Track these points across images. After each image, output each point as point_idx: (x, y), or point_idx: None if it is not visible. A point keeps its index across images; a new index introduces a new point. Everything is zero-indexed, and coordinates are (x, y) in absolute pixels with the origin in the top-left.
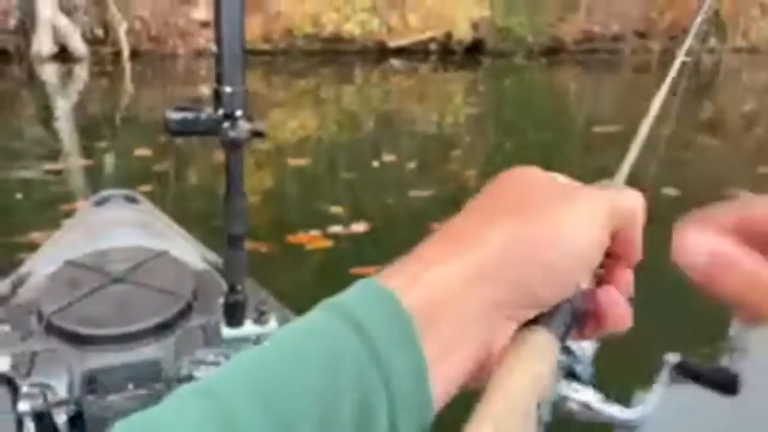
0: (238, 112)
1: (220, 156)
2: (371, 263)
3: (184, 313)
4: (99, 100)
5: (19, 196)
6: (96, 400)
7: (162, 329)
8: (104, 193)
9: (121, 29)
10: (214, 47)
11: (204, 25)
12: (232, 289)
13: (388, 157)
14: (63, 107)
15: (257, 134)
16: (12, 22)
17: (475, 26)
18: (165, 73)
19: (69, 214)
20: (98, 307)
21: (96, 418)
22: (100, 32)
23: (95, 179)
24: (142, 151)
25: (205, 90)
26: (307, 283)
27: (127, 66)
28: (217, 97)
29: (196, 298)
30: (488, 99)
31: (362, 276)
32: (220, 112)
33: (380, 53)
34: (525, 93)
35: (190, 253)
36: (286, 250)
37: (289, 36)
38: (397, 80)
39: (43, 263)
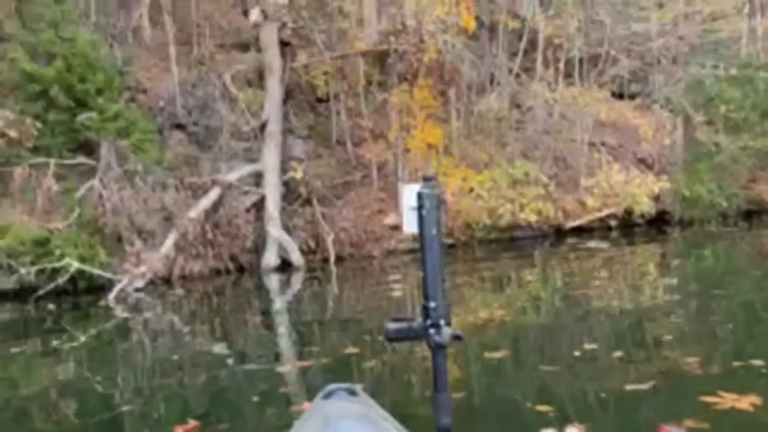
0: (442, 322)
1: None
2: None
3: None
4: (311, 303)
5: (255, 398)
6: None
7: None
8: (330, 387)
9: (329, 240)
10: (421, 273)
11: (392, 228)
12: None
13: (589, 345)
14: (282, 312)
15: (457, 338)
16: (248, 244)
17: (656, 198)
18: (363, 273)
19: (297, 414)
20: None
21: None
22: (313, 244)
23: (315, 377)
24: (351, 349)
25: (395, 286)
26: None
27: (333, 269)
28: (425, 310)
29: None
30: (688, 272)
31: None
32: (428, 322)
33: (557, 235)
34: (730, 261)
35: None
36: None
37: (469, 229)
38: (579, 260)
39: None
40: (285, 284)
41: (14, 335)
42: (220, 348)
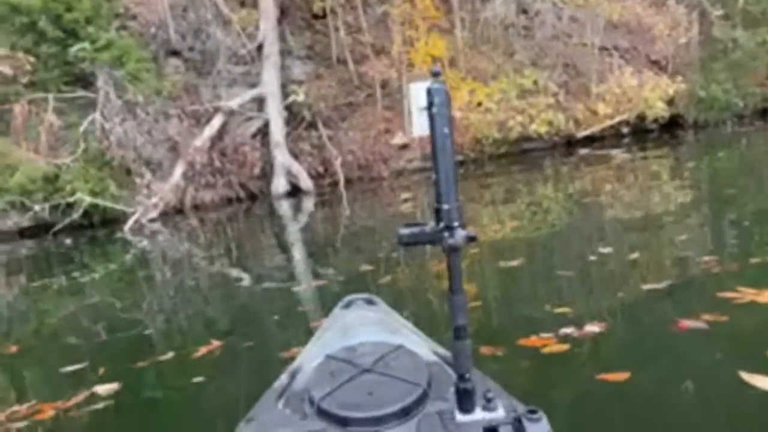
0: (456, 224)
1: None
2: (618, 368)
3: (422, 400)
4: (323, 226)
5: (275, 317)
6: None
7: (405, 414)
8: (349, 297)
9: (337, 163)
10: (433, 176)
11: (401, 148)
12: (461, 377)
13: (604, 249)
14: (295, 236)
15: (471, 239)
16: (256, 171)
17: (670, 102)
18: (373, 194)
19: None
20: (353, 394)
21: None
22: (321, 168)
23: (332, 294)
24: (365, 267)
25: (405, 205)
26: (557, 389)
27: (343, 192)
28: (437, 213)
29: (430, 386)
30: (702, 174)
31: (612, 382)
32: (441, 224)
33: (568, 145)
34: (745, 162)
35: (421, 346)
36: (521, 354)
37: (478, 145)
38: (591, 169)
39: (310, 358)
40: (296, 209)
41: (36, 270)
42: (237, 272)
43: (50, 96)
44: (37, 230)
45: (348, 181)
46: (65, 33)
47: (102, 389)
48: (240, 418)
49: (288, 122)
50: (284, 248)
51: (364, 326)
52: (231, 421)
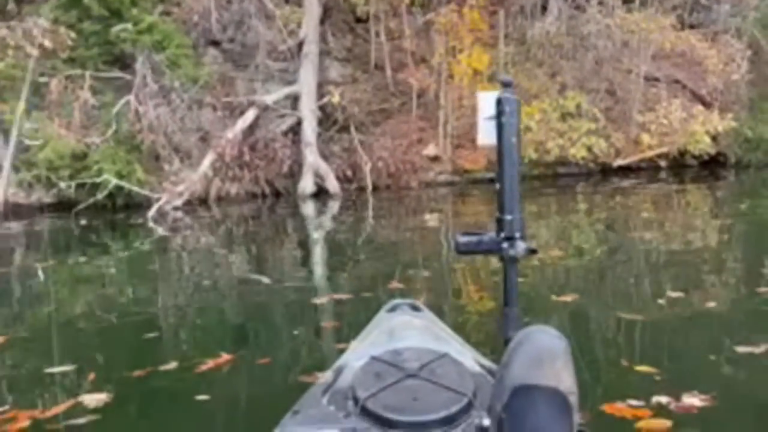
0: (517, 234)
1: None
2: None
3: (466, 410)
4: (347, 234)
5: (295, 333)
6: None
7: (449, 422)
8: (394, 301)
9: (366, 169)
10: (497, 185)
11: (432, 159)
12: None
13: (674, 294)
14: (318, 238)
15: (531, 251)
16: (284, 168)
17: (713, 138)
18: (400, 204)
19: (338, 351)
20: (398, 397)
21: None
22: (349, 173)
23: (355, 310)
24: (395, 284)
25: (429, 216)
26: None
27: (370, 198)
28: (499, 223)
29: (475, 397)
30: (753, 215)
31: None
32: (502, 234)
33: (602, 173)
34: None
35: (466, 356)
36: (611, 426)
37: None
38: (628, 200)
39: (355, 357)
40: (320, 211)
41: (54, 247)
42: (255, 276)
43: (87, 74)
44: (59, 207)
45: (375, 188)
46: (109, 12)
47: (89, 399)
48: None
49: (321, 123)
50: (306, 252)
51: (410, 331)
52: None
